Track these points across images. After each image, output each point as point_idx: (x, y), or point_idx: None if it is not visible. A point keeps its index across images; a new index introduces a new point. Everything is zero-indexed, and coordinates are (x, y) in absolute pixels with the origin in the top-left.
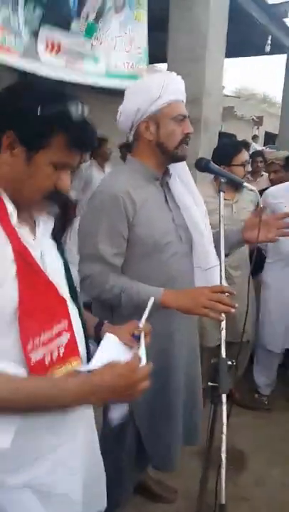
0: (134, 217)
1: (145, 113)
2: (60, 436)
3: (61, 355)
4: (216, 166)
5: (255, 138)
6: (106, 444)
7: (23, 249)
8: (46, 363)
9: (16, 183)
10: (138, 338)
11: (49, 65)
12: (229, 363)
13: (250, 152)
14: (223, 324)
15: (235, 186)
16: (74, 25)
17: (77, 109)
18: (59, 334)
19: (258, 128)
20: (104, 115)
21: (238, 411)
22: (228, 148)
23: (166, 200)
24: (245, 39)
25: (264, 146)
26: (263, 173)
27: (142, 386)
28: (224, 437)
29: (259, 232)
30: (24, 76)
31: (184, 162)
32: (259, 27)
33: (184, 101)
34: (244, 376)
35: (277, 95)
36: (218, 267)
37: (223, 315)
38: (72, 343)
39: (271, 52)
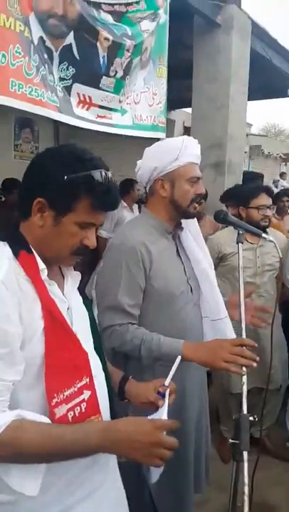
0: (151, 269)
1: (162, 171)
2: (84, 489)
3: (83, 411)
4: (234, 218)
5: (282, 175)
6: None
7: (51, 306)
8: (69, 418)
9: (45, 242)
10: (163, 396)
11: (82, 118)
12: (251, 418)
13: (278, 189)
14: (244, 379)
15: (261, 227)
16: (103, 82)
17: (101, 175)
18: (81, 391)
19: (285, 164)
20: (131, 157)
21: (270, 463)
22: (248, 190)
23: (178, 252)
24: (267, 84)
25: None
26: None
27: (162, 452)
28: (246, 498)
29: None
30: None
31: (195, 218)
32: (280, 72)
33: (198, 163)
34: (277, 424)
35: None
36: (228, 318)
37: (244, 369)
38: (93, 400)
39: None
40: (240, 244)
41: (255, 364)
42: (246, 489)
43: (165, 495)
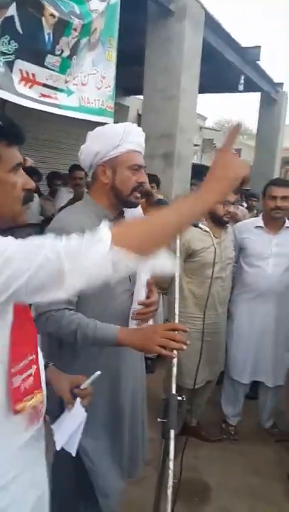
0: None
1: (104, 157)
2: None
3: (31, 384)
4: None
5: None
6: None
7: None
8: (22, 390)
9: None
10: (75, 397)
11: (24, 96)
12: (179, 398)
13: None
14: (175, 361)
15: (223, 222)
16: (48, 60)
17: (1, 116)
18: (30, 365)
19: None
20: (78, 143)
21: (206, 442)
22: None
23: None
24: (219, 77)
25: None
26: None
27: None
28: (171, 473)
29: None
30: (2, 103)
31: (139, 206)
32: (233, 67)
33: (142, 153)
34: (211, 404)
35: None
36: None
37: (175, 352)
38: (37, 375)
39: (246, 90)
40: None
41: (185, 347)
42: (171, 464)
43: (99, 475)
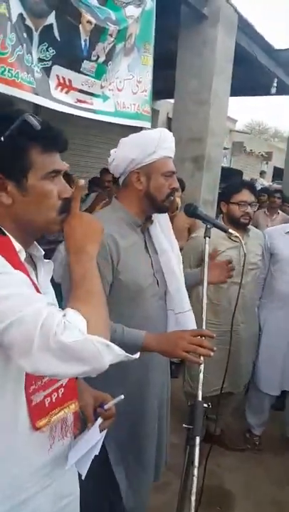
0: (119, 263)
1: (139, 164)
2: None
3: (60, 396)
4: (203, 212)
5: (262, 174)
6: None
7: (34, 285)
8: (46, 405)
9: (25, 218)
10: (97, 417)
11: (60, 101)
12: (205, 405)
13: (258, 187)
14: (202, 367)
15: (243, 228)
16: (84, 65)
17: (32, 117)
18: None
19: (266, 163)
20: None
21: (229, 452)
22: (231, 186)
23: (146, 245)
24: (251, 80)
25: (272, 181)
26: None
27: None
28: (195, 479)
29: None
30: (37, 109)
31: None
32: (265, 70)
33: (173, 157)
34: (237, 415)
35: (287, 131)
36: (191, 312)
37: (202, 358)
38: (71, 385)
39: (278, 93)
40: (207, 238)
41: (212, 354)
42: (196, 471)
43: (127, 481)
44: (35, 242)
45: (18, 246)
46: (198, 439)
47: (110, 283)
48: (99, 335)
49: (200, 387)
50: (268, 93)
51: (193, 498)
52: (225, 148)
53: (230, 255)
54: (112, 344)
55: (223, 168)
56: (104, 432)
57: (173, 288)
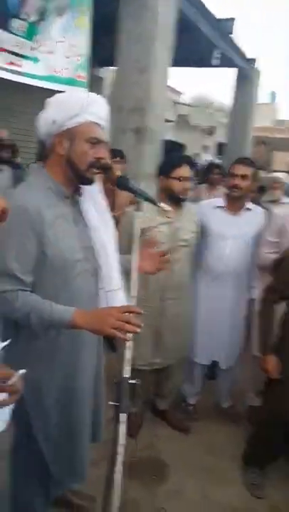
0: (44, 235)
1: (61, 127)
2: None
3: None
4: (135, 185)
5: (205, 148)
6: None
7: None
8: None
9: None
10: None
11: None
12: (132, 381)
13: (198, 163)
14: (129, 344)
15: (177, 203)
16: (14, 24)
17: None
18: None
19: (210, 137)
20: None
21: (162, 422)
22: (170, 160)
23: (76, 219)
24: (194, 51)
25: (216, 156)
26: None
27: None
28: (120, 458)
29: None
30: None
31: (97, 183)
32: (207, 40)
33: (105, 127)
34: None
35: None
36: (121, 290)
37: (129, 335)
38: None
39: (222, 65)
40: (139, 213)
41: (138, 330)
42: (121, 448)
43: (59, 455)
44: None
45: None
46: (124, 416)
47: (35, 255)
48: None
49: (126, 364)
50: (210, 65)
51: (118, 476)
52: (169, 121)
53: (162, 231)
54: None
55: (165, 142)
56: (9, 407)
57: (103, 265)
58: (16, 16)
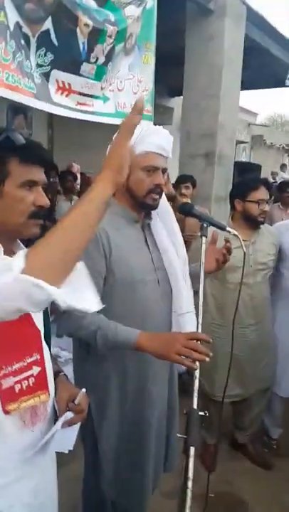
0: (111, 255)
1: None
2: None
3: (31, 385)
4: (199, 210)
5: (283, 167)
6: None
7: None
8: (16, 391)
9: (0, 219)
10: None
11: (60, 105)
12: (201, 413)
13: (278, 181)
14: (197, 373)
15: (253, 225)
16: (83, 68)
17: (17, 135)
18: (30, 366)
19: (288, 156)
20: None
21: (241, 455)
22: (246, 183)
23: (147, 241)
24: (266, 72)
25: None
26: None
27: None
28: (189, 493)
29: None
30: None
31: (168, 205)
32: (278, 60)
33: (165, 155)
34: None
35: None
36: (192, 314)
37: (197, 363)
38: (42, 376)
39: None
40: (204, 238)
41: (207, 359)
42: (190, 483)
43: (122, 484)
44: (20, 243)
45: None
46: (192, 450)
47: (104, 276)
48: (35, 274)
49: (195, 394)
50: (282, 85)
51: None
52: (243, 142)
53: (236, 255)
54: (44, 284)
55: (240, 163)
56: (77, 426)
57: (174, 287)
58: (86, 61)
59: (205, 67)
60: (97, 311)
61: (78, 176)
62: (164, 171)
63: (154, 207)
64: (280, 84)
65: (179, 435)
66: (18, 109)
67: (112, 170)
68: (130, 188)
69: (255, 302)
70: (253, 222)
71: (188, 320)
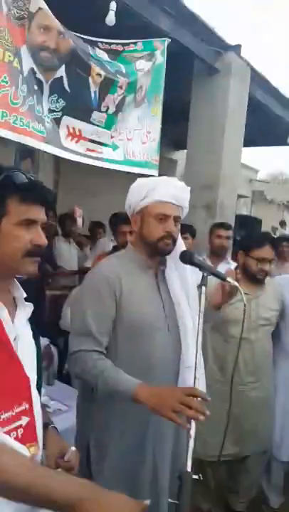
0: (122, 300)
1: (135, 209)
2: None
3: (19, 436)
4: (200, 259)
5: (282, 224)
6: None
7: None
8: None
9: None
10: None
11: (70, 150)
12: (195, 477)
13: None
14: (192, 433)
15: (256, 279)
16: (94, 116)
17: (19, 174)
18: (19, 416)
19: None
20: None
21: None
22: (252, 238)
23: (159, 289)
24: (268, 131)
25: None
26: None
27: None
28: None
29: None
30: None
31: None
32: (279, 119)
33: (177, 204)
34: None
35: None
36: (196, 368)
37: (193, 423)
38: (31, 427)
39: None
40: (203, 287)
41: (202, 417)
42: None
43: None
44: (17, 283)
45: None
46: None
47: (113, 318)
48: None
49: (189, 455)
50: (284, 143)
51: None
52: (244, 197)
53: (239, 308)
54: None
55: (241, 216)
56: None
57: (184, 341)
58: (97, 109)
59: (208, 123)
60: (104, 354)
61: (80, 220)
62: (177, 219)
63: (167, 252)
64: (282, 142)
65: (170, 500)
66: (25, 153)
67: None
68: (143, 236)
69: (257, 359)
70: (252, 278)
71: (189, 375)
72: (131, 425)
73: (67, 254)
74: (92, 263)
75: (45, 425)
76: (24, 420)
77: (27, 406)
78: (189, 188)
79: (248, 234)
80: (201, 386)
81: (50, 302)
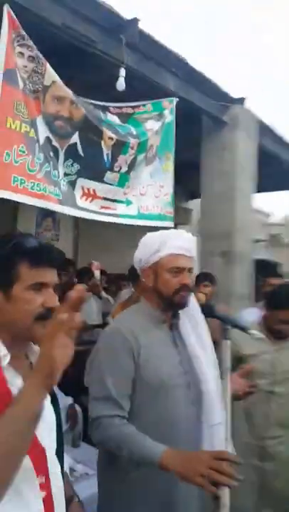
0: (140, 358)
1: (146, 263)
2: None
3: None
4: (222, 313)
5: None
6: None
7: (5, 393)
8: None
9: (8, 321)
10: None
11: (85, 209)
12: None
13: None
14: (226, 501)
15: (280, 335)
16: (107, 176)
17: (29, 239)
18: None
19: None
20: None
21: None
22: (279, 297)
23: (176, 342)
24: (279, 177)
25: None
26: None
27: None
28: None
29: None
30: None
31: (198, 307)
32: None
33: (188, 255)
34: None
35: None
36: (221, 425)
37: (226, 490)
38: (48, 504)
39: None
40: (228, 341)
41: (235, 483)
42: None
43: None
44: (34, 347)
45: (2, 351)
46: None
47: (132, 379)
48: None
49: None
50: None
51: None
52: (260, 241)
53: (266, 359)
54: None
55: (259, 260)
56: None
57: (205, 394)
58: (110, 170)
59: (219, 174)
60: (126, 418)
61: (97, 272)
62: (190, 270)
63: (183, 305)
64: None
65: None
66: (46, 213)
67: (43, 374)
68: (158, 290)
69: (282, 414)
70: (276, 333)
71: (217, 433)
72: (155, 494)
73: (88, 308)
74: (112, 314)
75: (69, 499)
76: (42, 494)
77: (43, 479)
78: (195, 237)
79: (278, 291)
80: (230, 447)
81: (72, 358)
